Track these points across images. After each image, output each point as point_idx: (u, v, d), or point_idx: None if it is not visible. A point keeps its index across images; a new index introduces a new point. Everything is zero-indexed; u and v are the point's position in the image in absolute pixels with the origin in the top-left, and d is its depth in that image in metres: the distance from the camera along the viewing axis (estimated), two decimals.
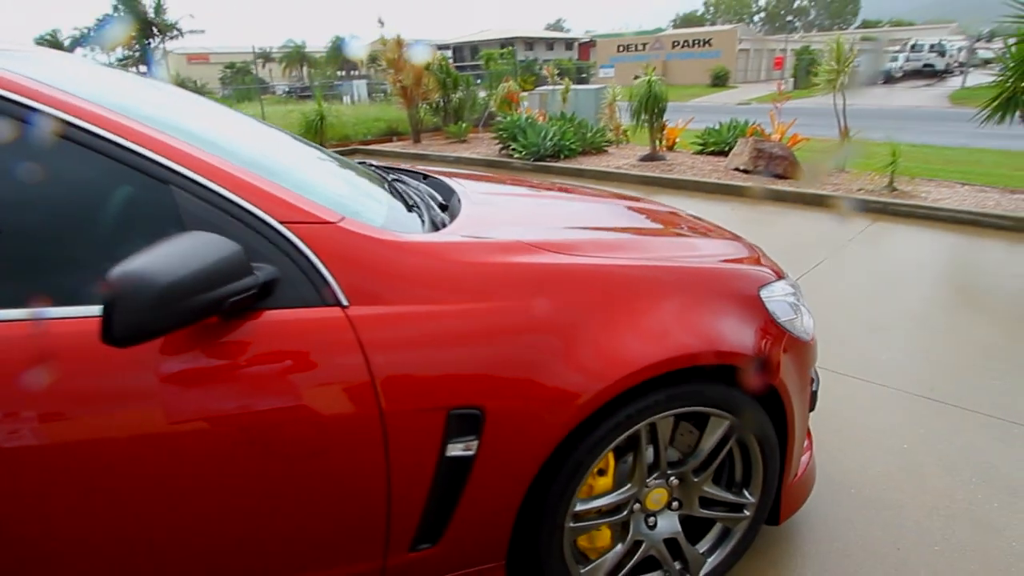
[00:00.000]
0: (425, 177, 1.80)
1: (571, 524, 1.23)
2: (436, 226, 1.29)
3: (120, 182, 0.97)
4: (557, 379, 1.09)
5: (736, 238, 1.68)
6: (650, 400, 1.19)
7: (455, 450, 1.06)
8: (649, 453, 1.28)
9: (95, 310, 0.81)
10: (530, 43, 46.68)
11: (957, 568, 1.58)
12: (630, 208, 1.85)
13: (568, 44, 51.18)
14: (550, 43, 49.24)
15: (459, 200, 1.46)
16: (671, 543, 1.37)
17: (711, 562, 1.42)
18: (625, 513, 1.30)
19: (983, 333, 3.06)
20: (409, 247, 1.09)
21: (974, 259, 4.60)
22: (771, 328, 1.34)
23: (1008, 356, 2.80)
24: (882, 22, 78.78)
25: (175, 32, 38.82)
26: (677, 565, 1.38)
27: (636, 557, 1.34)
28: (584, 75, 40.99)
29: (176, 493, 0.96)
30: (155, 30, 37.59)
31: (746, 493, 1.41)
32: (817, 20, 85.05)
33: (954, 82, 27.72)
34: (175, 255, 0.80)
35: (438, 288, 1.06)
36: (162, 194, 0.94)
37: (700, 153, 8.70)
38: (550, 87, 12.53)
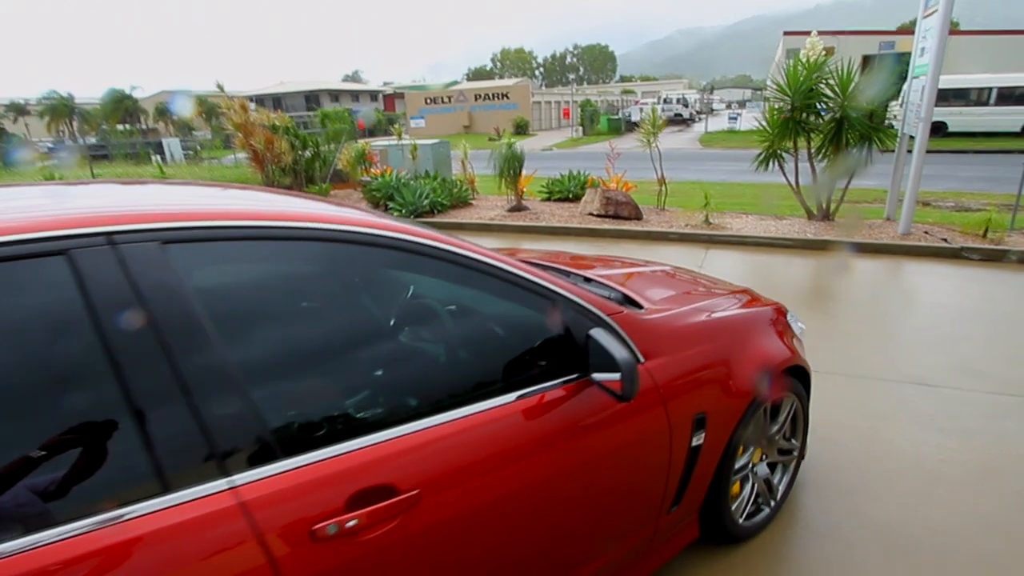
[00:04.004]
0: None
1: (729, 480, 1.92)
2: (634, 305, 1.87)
3: (520, 299, 1.43)
4: (732, 390, 1.80)
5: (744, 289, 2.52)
6: (779, 382, 1.95)
7: (696, 441, 1.69)
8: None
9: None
10: (335, 95, 46.58)
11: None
12: (676, 272, 2.60)
13: (373, 96, 52.11)
14: (355, 95, 49.69)
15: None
16: (765, 480, 2.13)
17: (781, 487, 2.22)
18: (747, 469, 2.03)
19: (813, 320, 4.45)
20: (652, 322, 1.70)
21: (778, 270, 6.32)
22: (795, 336, 2.20)
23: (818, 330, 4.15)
24: (634, 77, 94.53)
25: None
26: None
27: (750, 493, 2.07)
28: (393, 126, 42.14)
29: (582, 499, 1.44)
30: None
31: (793, 441, 2.23)
32: (585, 75, 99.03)
33: (698, 127, 34.55)
34: (617, 345, 1.33)
35: (673, 343, 1.71)
36: (543, 306, 1.43)
37: (548, 200, 10.02)
38: (394, 142, 13.10)
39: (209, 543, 0.91)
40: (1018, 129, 19.58)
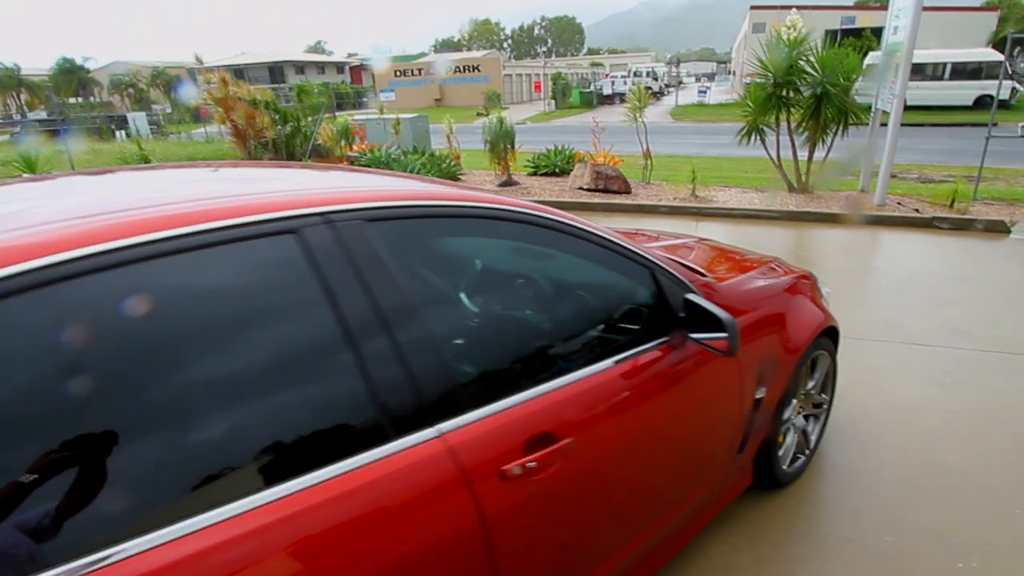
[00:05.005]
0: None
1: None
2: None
3: (624, 271, 1.58)
4: (786, 348, 2.00)
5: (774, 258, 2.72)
6: (811, 349, 2.15)
7: (759, 394, 1.89)
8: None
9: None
10: (300, 67, 45.01)
11: None
12: (709, 243, 2.78)
13: (339, 68, 50.53)
14: (320, 66, 48.12)
15: None
16: (802, 431, 2.36)
17: (814, 437, 2.47)
18: (790, 420, 2.25)
19: None
20: (723, 288, 1.87)
21: (766, 240, 6.61)
22: (824, 299, 2.42)
23: None
24: (601, 49, 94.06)
25: None
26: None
27: (791, 441, 2.30)
28: (364, 99, 41.09)
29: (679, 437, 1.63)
30: None
31: (823, 395, 2.47)
32: (553, 48, 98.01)
33: (668, 100, 34.85)
34: (717, 307, 1.49)
35: (745, 304, 1.88)
36: (642, 274, 1.59)
37: (534, 175, 10.11)
38: (372, 116, 12.90)
39: (428, 478, 1.05)
40: (971, 103, 20.46)
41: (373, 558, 0.97)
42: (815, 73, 7.58)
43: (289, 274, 1.02)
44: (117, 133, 16.98)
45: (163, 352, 0.90)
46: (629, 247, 1.55)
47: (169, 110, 29.04)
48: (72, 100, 33.01)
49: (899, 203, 7.37)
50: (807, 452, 2.42)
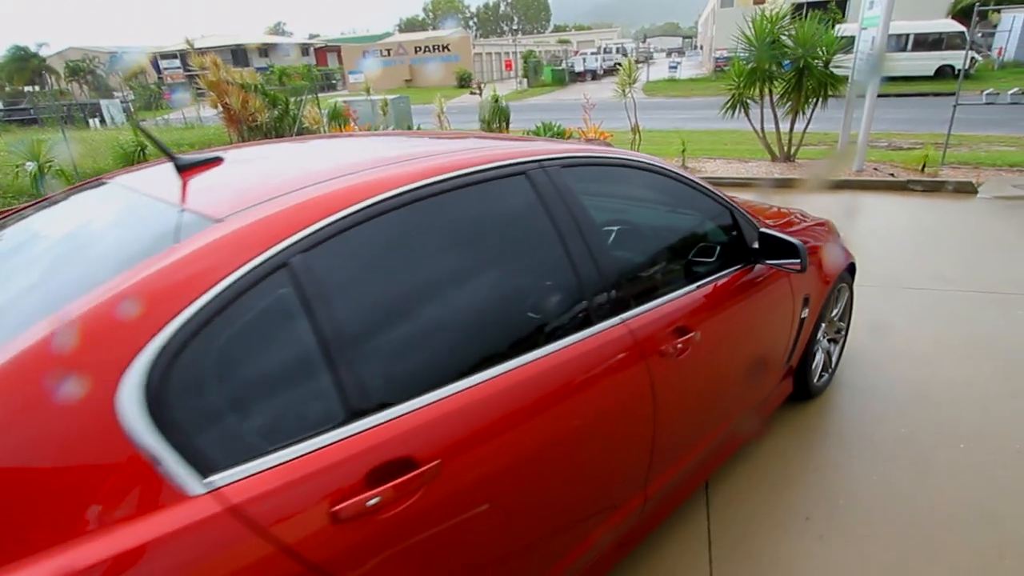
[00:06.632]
0: None
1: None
2: None
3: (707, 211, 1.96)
4: (822, 278, 2.43)
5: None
6: (838, 281, 2.59)
7: (803, 315, 2.30)
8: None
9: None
10: (263, 50, 43.89)
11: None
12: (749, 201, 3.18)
13: (304, 49, 49.44)
14: (285, 49, 46.97)
15: None
16: (826, 352, 2.81)
17: (835, 358, 2.92)
18: (819, 342, 2.69)
19: None
20: (773, 226, 2.27)
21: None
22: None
23: None
24: (568, 27, 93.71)
25: None
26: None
27: (819, 360, 2.75)
28: (333, 81, 40.40)
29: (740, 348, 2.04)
30: None
31: (842, 322, 2.92)
32: (520, 25, 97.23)
33: (640, 76, 35.16)
34: (787, 236, 1.89)
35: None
36: (724, 215, 1.97)
37: None
38: (363, 98, 12.95)
39: (619, 350, 1.46)
40: (932, 73, 21.37)
41: (594, 401, 1.40)
42: (796, 47, 8.03)
43: (525, 201, 1.40)
44: (90, 121, 16.58)
45: (458, 252, 1.27)
46: (718, 192, 1.94)
47: (132, 97, 28.17)
48: (28, 89, 31.75)
49: (875, 168, 7.94)
50: (830, 371, 2.88)
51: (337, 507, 0.96)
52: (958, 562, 1.90)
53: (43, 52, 34.62)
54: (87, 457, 0.83)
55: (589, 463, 1.44)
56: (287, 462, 0.95)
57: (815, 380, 2.72)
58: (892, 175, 7.48)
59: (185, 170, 1.38)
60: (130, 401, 0.85)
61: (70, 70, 33.35)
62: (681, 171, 1.87)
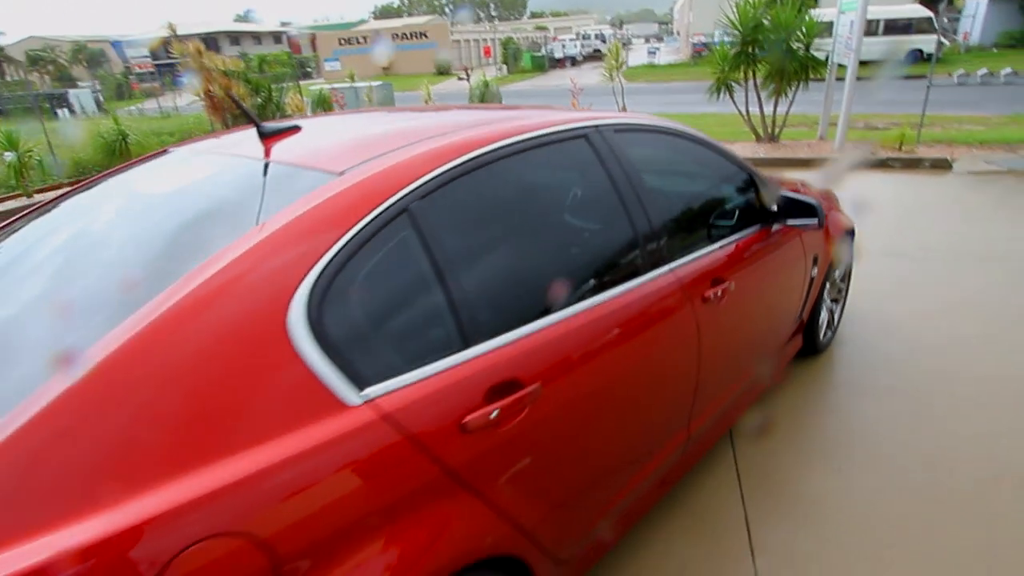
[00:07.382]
0: None
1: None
2: None
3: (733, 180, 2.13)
4: (829, 240, 2.61)
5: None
6: (844, 239, 2.79)
7: (812, 273, 2.50)
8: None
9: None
10: (235, 38, 42.87)
11: None
12: None
13: (276, 37, 48.42)
14: (257, 37, 45.97)
15: None
16: (830, 311, 3.02)
17: (837, 316, 3.14)
18: (824, 301, 2.90)
19: None
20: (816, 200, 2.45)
21: None
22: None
23: None
24: (545, 13, 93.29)
25: None
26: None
27: (824, 318, 2.96)
28: (308, 69, 39.70)
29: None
30: None
31: (843, 283, 3.13)
32: (497, 12, 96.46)
33: (624, 60, 35.26)
34: (804, 197, 2.06)
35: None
36: (748, 179, 2.14)
37: None
38: (346, 85, 12.89)
39: (669, 295, 1.63)
40: (902, 57, 21.92)
41: (654, 336, 1.59)
42: (779, 31, 8.25)
43: (586, 160, 1.54)
44: (58, 111, 16.10)
45: (543, 202, 1.44)
46: (742, 159, 2.11)
47: (98, 86, 27.37)
48: None
49: (855, 147, 8.23)
50: (833, 328, 3.09)
51: (466, 419, 1.10)
52: (960, 477, 2.12)
53: (2, 42, 33.46)
54: (271, 375, 0.95)
55: (650, 393, 1.62)
56: (423, 379, 1.09)
57: (820, 336, 2.93)
58: (872, 153, 7.77)
59: (268, 137, 1.49)
60: (297, 322, 0.98)
61: (31, 60, 32.22)
62: (712, 139, 2.03)
